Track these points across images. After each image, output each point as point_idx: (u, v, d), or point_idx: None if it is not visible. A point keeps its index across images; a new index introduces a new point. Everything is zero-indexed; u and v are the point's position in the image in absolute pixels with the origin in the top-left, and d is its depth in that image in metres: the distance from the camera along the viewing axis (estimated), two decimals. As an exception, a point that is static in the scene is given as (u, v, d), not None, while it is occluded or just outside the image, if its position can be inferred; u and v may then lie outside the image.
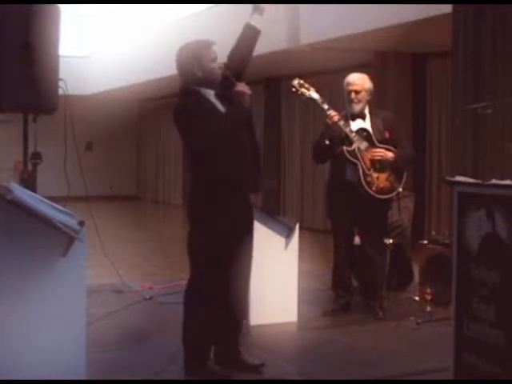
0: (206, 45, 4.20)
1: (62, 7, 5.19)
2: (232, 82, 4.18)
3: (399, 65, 9.65)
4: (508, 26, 5.87)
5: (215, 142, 4.06)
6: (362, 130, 5.68)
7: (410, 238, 6.87)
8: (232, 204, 4.16)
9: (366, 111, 5.78)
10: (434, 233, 7.52)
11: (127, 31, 15.09)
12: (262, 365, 4.39)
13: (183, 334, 4.27)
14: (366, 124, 5.75)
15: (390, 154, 5.67)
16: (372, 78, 5.87)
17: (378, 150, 5.65)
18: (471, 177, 4.01)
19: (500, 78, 5.97)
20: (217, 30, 10.91)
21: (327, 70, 11.04)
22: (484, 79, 6.09)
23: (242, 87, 4.16)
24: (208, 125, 4.02)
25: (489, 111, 4.90)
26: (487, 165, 6.03)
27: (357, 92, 5.71)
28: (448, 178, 4.12)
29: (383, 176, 5.66)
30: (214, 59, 4.18)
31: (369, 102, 5.79)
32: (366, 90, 5.74)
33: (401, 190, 5.80)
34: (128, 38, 14.92)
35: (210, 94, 4.19)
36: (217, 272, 4.15)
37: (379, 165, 5.64)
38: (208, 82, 4.17)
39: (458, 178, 3.89)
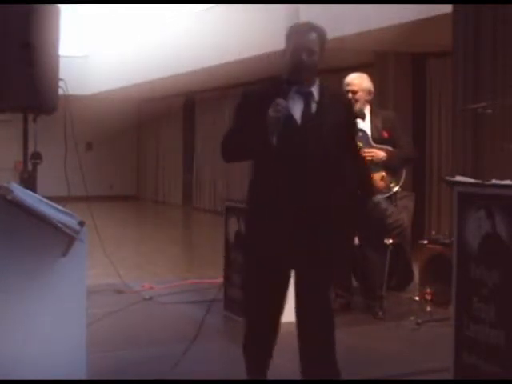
0: (299, 31, 3.56)
1: (62, 7, 5.18)
2: None
3: (399, 65, 9.66)
4: (508, 25, 5.87)
5: (231, 142, 3.63)
6: (358, 131, 5.68)
7: (410, 238, 6.86)
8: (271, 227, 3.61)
9: (367, 111, 5.78)
10: (433, 233, 7.51)
11: (127, 31, 15.09)
12: None
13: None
14: (366, 124, 5.74)
15: (381, 154, 5.66)
16: (372, 78, 5.86)
17: (370, 150, 5.65)
18: (471, 177, 4.01)
19: (500, 78, 5.97)
20: (217, 30, 10.93)
21: (327, 70, 11.03)
22: (484, 79, 6.09)
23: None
24: (241, 122, 3.58)
25: (489, 111, 4.89)
26: (487, 165, 6.03)
27: (354, 92, 5.71)
28: (448, 178, 4.12)
29: (377, 176, 5.66)
30: (304, 49, 3.46)
31: (369, 102, 5.78)
32: (364, 90, 5.74)
33: (399, 189, 5.80)
34: (128, 38, 14.92)
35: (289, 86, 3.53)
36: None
37: (373, 165, 5.64)
38: (290, 73, 3.51)
39: (458, 178, 3.88)
